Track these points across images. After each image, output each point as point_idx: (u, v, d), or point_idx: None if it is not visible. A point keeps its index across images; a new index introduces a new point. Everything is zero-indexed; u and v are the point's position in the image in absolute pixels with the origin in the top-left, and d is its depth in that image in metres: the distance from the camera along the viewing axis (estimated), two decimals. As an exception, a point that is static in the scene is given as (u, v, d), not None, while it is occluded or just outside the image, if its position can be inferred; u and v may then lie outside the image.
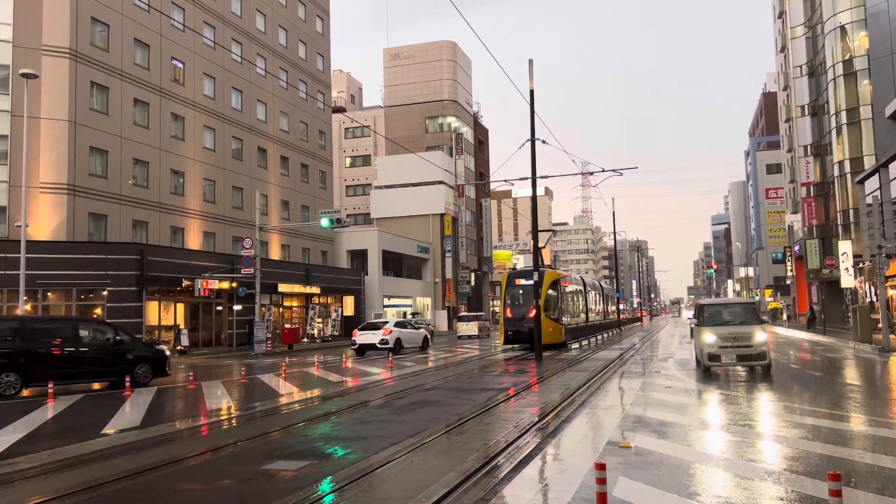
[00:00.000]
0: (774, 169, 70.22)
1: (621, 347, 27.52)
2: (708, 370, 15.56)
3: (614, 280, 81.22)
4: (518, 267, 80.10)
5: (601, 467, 5.07)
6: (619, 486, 6.08)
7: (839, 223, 39.23)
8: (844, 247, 30.44)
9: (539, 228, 24.07)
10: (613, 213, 54.91)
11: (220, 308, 34.46)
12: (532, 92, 22.26)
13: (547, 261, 34.28)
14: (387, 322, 28.93)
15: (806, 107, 46.73)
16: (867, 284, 32.90)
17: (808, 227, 46.05)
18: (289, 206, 44.22)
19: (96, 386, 16.36)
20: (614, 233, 56.31)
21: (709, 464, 6.93)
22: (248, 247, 29.93)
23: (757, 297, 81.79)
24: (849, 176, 37.58)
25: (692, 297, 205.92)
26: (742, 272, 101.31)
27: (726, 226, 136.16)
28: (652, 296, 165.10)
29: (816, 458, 7.16)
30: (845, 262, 29.40)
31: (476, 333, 41.33)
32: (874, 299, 29.47)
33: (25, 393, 15.12)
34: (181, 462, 7.77)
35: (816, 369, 16.75)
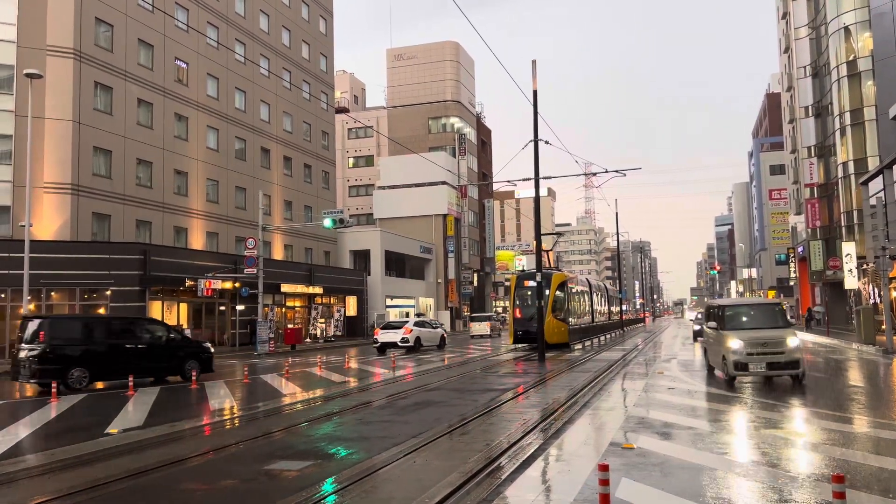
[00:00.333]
0: (778, 170, 70.11)
1: (624, 348, 27.49)
2: (733, 380, 13.69)
3: (617, 281, 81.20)
4: (521, 267, 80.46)
5: (604, 468, 5.06)
6: (622, 487, 6.07)
7: (843, 224, 39.14)
8: (848, 248, 30.36)
9: (542, 229, 24.05)
10: (616, 213, 54.85)
11: (223, 308, 34.49)
12: (535, 92, 22.25)
13: (550, 262, 34.35)
14: (407, 322, 30.47)
15: (810, 108, 46.64)
16: (871, 286, 32.83)
17: (811, 228, 45.96)
18: (292, 207, 44.27)
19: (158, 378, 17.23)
20: (617, 233, 56.26)
21: (712, 465, 6.92)
22: (251, 247, 29.96)
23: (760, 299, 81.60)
24: (853, 177, 37.50)
25: (695, 297, 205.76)
26: (745, 273, 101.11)
27: (730, 227, 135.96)
28: (655, 297, 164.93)
29: (819, 459, 7.14)
30: (849, 264, 29.32)
31: (488, 333, 42.84)
32: (878, 301, 29.40)
33: (99, 385, 16.29)
34: (184, 462, 7.78)
35: (820, 371, 16.71)
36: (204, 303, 32.81)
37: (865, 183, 32.38)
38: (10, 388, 17.12)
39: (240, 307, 34.20)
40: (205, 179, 36.70)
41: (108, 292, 28.23)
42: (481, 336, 42.26)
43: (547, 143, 23.71)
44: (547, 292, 27.12)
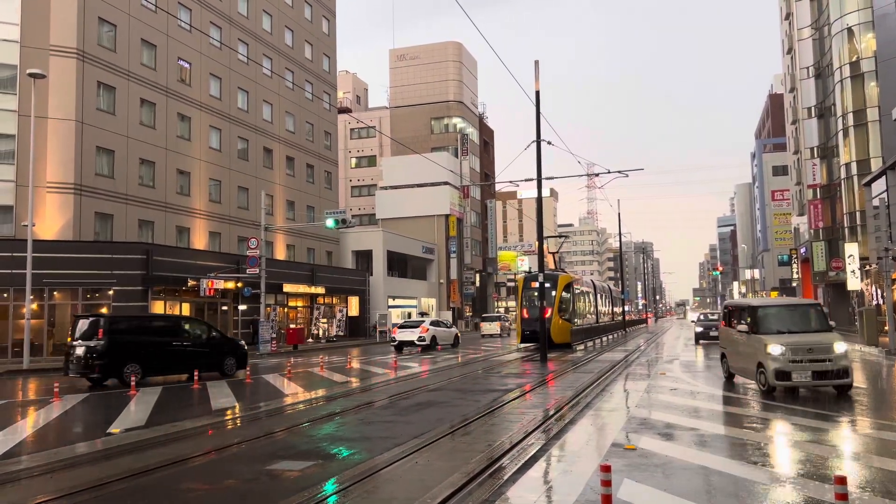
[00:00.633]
0: (781, 171, 70.04)
1: (626, 349, 27.48)
2: (772, 391, 12.20)
3: (619, 281, 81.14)
4: (522, 268, 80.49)
5: (606, 469, 5.06)
6: (624, 488, 6.06)
7: (846, 225, 39.08)
8: (851, 249, 30.34)
9: (544, 229, 24.05)
10: (619, 214, 54.78)
11: (225, 308, 34.51)
12: (538, 93, 22.24)
13: (551, 263, 34.51)
14: (423, 321, 31.80)
15: (813, 108, 46.58)
16: (874, 287, 32.75)
17: (814, 229, 45.90)
18: (294, 207, 44.30)
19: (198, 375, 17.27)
20: (619, 234, 56.25)
21: (714, 466, 6.91)
22: (253, 247, 29.98)
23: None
24: (855, 178, 37.43)
25: (697, 298, 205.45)
26: (748, 274, 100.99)
27: (732, 228, 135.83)
28: (657, 297, 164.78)
29: (821, 460, 7.13)
30: (852, 265, 29.30)
31: (498, 332, 45.29)
32: (881, 302, 29.35)
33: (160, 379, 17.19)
34: (185, 462, 7.79)
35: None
36: (206, 303, 32.83)
37: (868, 184, 32.32)
38: (13, 388, 17.15)
39: (242, 307, 34.22)
40: (207, 179, 36.74)
41: (111, 292, 28.26)
42: (491, 335, 44.29)
43: (549, 143, 23.71)
44: (553, 293, 27.77)
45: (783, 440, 8.33)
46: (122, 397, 14.12)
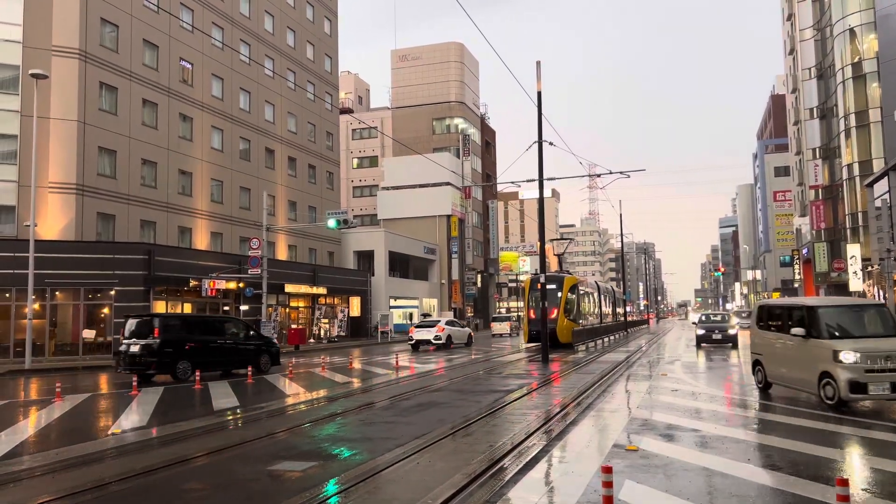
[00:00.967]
0: (782, 172, 70.01)
1: (628, 350, 27.47)
2: (842, 405, 10.57)
3: (621, 282, 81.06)
4: (525, 268, 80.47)
5: (607, 470, 5.06)
6: (626, 489, 6.06)
7: (848, 226, 39.05)
8: (853, 250, 30.33)
9: (546, 230, 24.05)
10: (621, 215, 54.74)
11: (227, 308, 34.52)
12: (539, 94, 22.23)
13: (554, 264, 34.81)
14: (439, 321, 32.97)
15: (815, 109, 46.56)
16: (876, 288, 32.71)
17: (816, 230, 45.86)
18: (296, 207, 44.32)
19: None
20: (621, 235, 56.21)
21: (716, 467, 6.91)
22: (255, 247, 29.99)
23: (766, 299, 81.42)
24: (857, 179, 37.41)
25: (699, 299, 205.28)
26: (750, 275, 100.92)
27: (734, 228, 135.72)
28: (659, 298, 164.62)
29: (824, 462, 7.12)
30: (854, 266, 29.28)
31: (508, 332, 46.95)
32: (883, 302, 29.30)
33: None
34: (187, 462, 7.79)
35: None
36: (208, 303, 32.84)
37: (870, 185, 32.30)
38: (15, 388, 17.18)
39: (244, 307, 34.24)
40: (209, 180, 36.77)
41: (113, 292, 28.29)
42: (501, 335, 46.05)
43: (551, 144, 23.71)
44: (559, 294, 28.82)
45: (790, 442, 8.31)
46: (124, 397, 14.13)
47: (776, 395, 12.35)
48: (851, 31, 37.93)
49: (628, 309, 58.97)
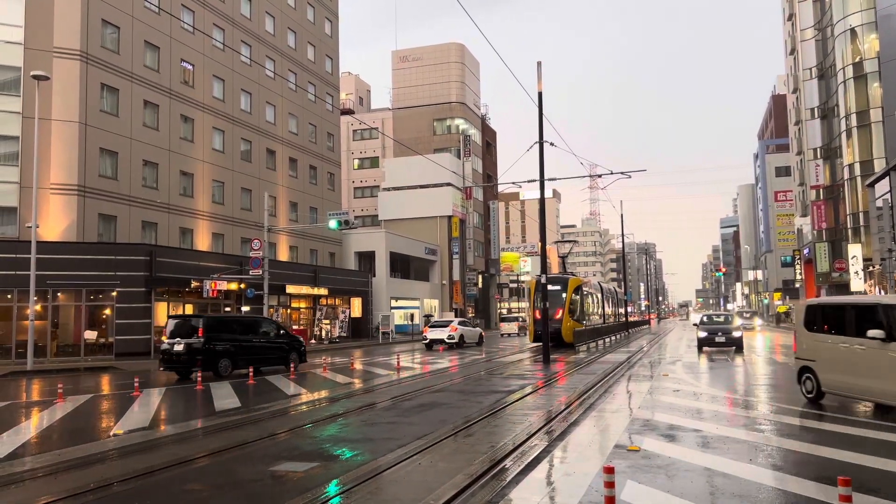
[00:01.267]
0: (783, 172, 69.97)
1: (629, 350, 27.46)
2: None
3: (622, 282, 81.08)
4: (526, 269, 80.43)
5: (609, 471, 5.06)
6: (627, 489, 6.06)
7: (849, 226, 39.03)
8: (854, 250, 30.31)
9: (547, 231, 24.06)
10: (622, 215, 54.68)
11: (228, 309, 34.53)
12: (540, 94, 22.22)
13: (555, 264, 35.19)
14: (452, 321, 34.20)
15: (816, 109, 46.54)
16: (877, 288, 32.68)
17: (817, 230, 45.84)
18: (297, 208, 44.34)
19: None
20: (622, 235, 56.16)
21: (717, 468, 6.91)
22: (256, 248, 30.00)
23: (766, 301, 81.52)
24: (859, 179, 37.38)
25: (700, 300, 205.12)
26: (751, 275, 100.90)
27: (735, 229, 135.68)
28: (660, 298, 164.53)
29: (827, 462, 7.12)
30: (855, 266, 29.25)
31: (516, 331, 48.58)
32: (884, 303, 29.25)
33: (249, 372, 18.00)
34: (189, 463, 7.80)
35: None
36: (209, 304, 32.86)
37: (872, 185, 32.28)
38: (17, 389, 17.19)
39: (245, 308, 34.25)
40: (210, 181, 36.80)
41: (114, 293, 28.32)
42: (509, 334, 48.00)
43: (552, 144, 23.70)
44: (564, 295, 29.69)
45: (793, 443, 8.30)
46: (126, 398, 14.15)
47: (829, 405, 11.32)
48: (852, 30, 37.91)
49: (629, 309, 59.06)
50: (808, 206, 49.09)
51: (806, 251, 52.82)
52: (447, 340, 31.92)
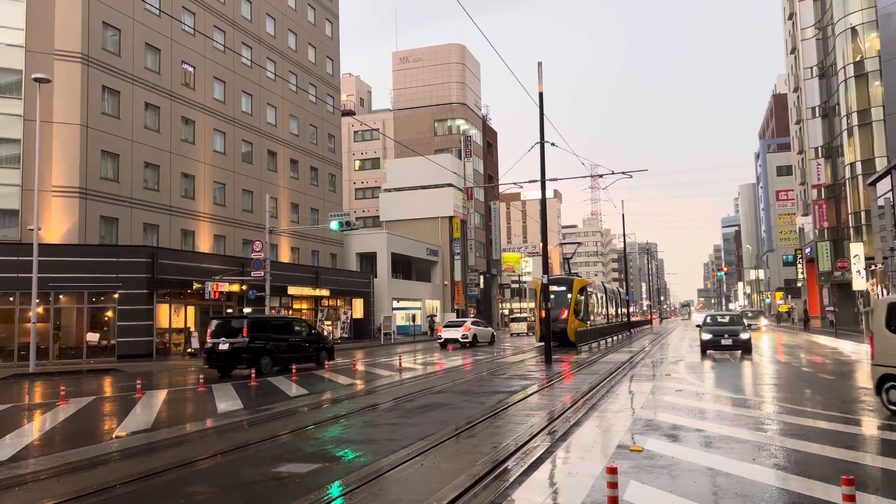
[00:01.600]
0: (785, 171, 69.91)
1: (631, 350, 27.45)
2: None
3: (624, 282, 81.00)
4: (527, 270, 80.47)
5: (612, 471, 5.05)
6: (630, 489, 6.06)
7: (851, 225, 38.99)
8: (856, 249, 30.26)
9: (548, 231, 24.06)
10: (623, 215, 54.66)
11: (230, 311, 34.53)
12: (541, 94, 22.23)
13: (556, 265, 35.63)
14: (466, 321, 35.18)
15: (817, 108, 46.49)
16: (879, 287, 32.65)
17: (819, 229, 45.79)
18: (298, 209, 44.36)
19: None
20: (624, 235, 56.15)
21: (721, 467, 6.90)
22: (257, 250, 30.00)
23: (768, 300, 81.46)
24: (860, 178, 37.34)
25: (702, 299, 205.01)
26: (753, 274, 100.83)
27: (736, 228, 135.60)
28: (662, 298, 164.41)
29: (829, 462, 7.11)
30: (857, 265, 29.21)
31: (526, 331, 50.40)
32: (886, 302, 29.21)
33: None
34: (192, 464, 7.80)
35: (827, 372, 16.64)
36: (211, 305, 32.88)
37: (873, 184, 32.25)
38: (19, 391, 17.21)
39: (247, 310, 34.24)
40: (212, 182, 36.82)
41: (116, 295, 28.34)
42: (518, 334, 50.16)
43: (553, 145, 23.70)
44: (569, 296, 30.46)
45: (795, 442, 8.29)
46: (128, 400, 14.16)
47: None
48: (853, 29, 37.87)
49: (631, 309, 59.20)
50: (810, 205, 49.05)
51: (808, 250, 52.77)
52: (461, 340, 33.01)
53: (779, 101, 76.69)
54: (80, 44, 29.36)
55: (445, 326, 34.89)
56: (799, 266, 59.02)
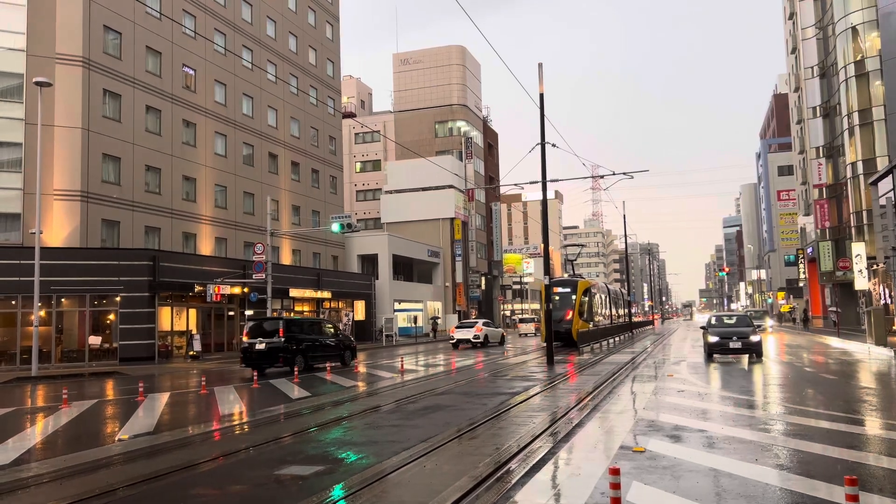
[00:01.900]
0: (786, 171, 69.86)
1: (633, 351, 27.43)
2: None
3: (625, 283, 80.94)
4: (528, 271, 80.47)
5: (615, 472, 5.05)
6: (633, 490, 6.05)
7: (852, 225, 38.95)
8: (858, 249, 30.20)
9: (549, 232, 24.06)
10: (624, 216, 54.65)
11: (231, 313, 34.58)
12: (542, 96, 22.23)
13: (557, 266, 35.81)
14: (477, 322, 35.82)
15: (818, 108, 46.45)
16: (882, 287, 32.60)
17: (820, 228, 45.75)
18: (300, 212, 44.39)
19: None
20: (625, 236, 56.12)
21: (723, 468, 6.89)
22: (259, 252, 30.03)
23: (770, 300, 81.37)
24: (862, 177, 37.31)
25: (704, 300, 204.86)
26: (754, 275, 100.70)
27: (738, 228, 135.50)
28: (663, 299, 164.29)
29: (832, 462, 7.10)
30: (859, 264, 29.16)
31: (533, 332, 52.10)
32: (889, 301, 29.21)
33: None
34: (194, 467, 7.80)
35: (831, 372, 16.62)
36: (213, 308, 32.91)
37: (874, 183, 32.20)
38: (22, 394, 17.22)
39: (248, 312, 34.27)
40: (213, 185, 36.85)
41: (118, 298, 28.37)
42: (526, 334, 51.64)
43: (554, 146, 23.69)
44: (574, 297, 31.15)
45: (797, 442, 8.28)
46: (130, 403, 14.17)
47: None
48: (853, 29, 37.86)
49: (633, 310, 59.31)
50: (811, 204, 48.99)
51: (809, 250, 52.71)
52: (473, 340, 33.88)
53: (779, 101, 76.66)
54: (81, 47, 29.40)
55: (458, 327, 35.69)
56: (801, 266, 58.96)
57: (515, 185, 29.45)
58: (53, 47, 29.10)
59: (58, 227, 28.53)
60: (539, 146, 22.46)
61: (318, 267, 44.58)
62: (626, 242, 57.31)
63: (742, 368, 18.30)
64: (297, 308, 40.11)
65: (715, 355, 21.29)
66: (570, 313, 30.78)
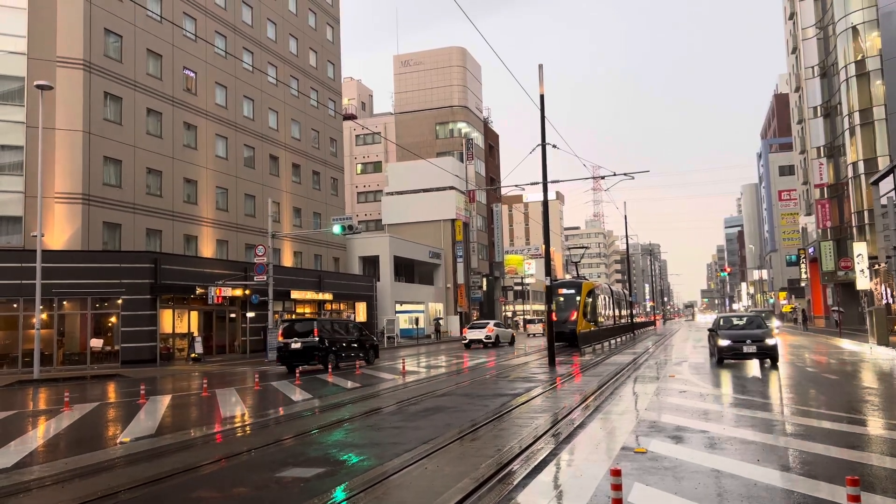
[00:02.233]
0: (787, 171, 69.85)
1: (635, 352, 27.41)
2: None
3: (627, 284, 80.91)
4: (530, 272, 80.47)
5: (616, 473, 5.04)
6: (635, 492, 6.05)
7: (854, 225, 38.92)
8: (859, 248, 30.17)
9: (550, 233, 24.09)
10: (625, 216, 54.73)
11: (233, 315, 34.59)
12: (542, 97, 22.23)
13: (559, 267, 36.08)
14: (489, 323, 36.92)
15: (818, 108, 46.44)
16: (883, 286, 32.56)
17: (822, 228, 45.72)
18: (301, 214, 44.41)
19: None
20: (626, 236, 56.14)
21: (725, 468, 6.88)
22: (260, 254, 30.05)
23: (772, 300, 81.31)
24: (863, 177, 37.28)
25: (706, 300, 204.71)
26: (756, 275, 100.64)
27: (739, 228, 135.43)
28: (665, 299, 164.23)
29: (835, 462, 7.09)
30: (860, 264, 29.13)
31: (541, 332, 51.63)
32: (890, 301, 29.19)
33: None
34: (196, 470, 7.80)
35: (833, 372, 16.60)
36: (214, 310, 32.92)
37: (876, 183, 32.18)
38: (24, 397, 17.23)
39: (250, 314, 34.30)
40: (214, 188, 36.88)
41: (120, 301, 28.39)
42: (534, 335, 52.49)
43: (555, 146, 23.69)
44: (578, 298, 31.66)
45: (800, 443, 8.26)
46: (132, 406, 14.17)
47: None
48: (854, 28, 37.85)
49: (634, 310, 59.32)
50: (813, 204, 48.96)
51: (811, 250, 52.68)
52: (484, 340, 35.00)
53: (780, 101, 76.64)
54: (81, 50, 29.45)
55: (470, 328, 36.77)
56: (802, 266, 58.93)
57: (516, 186, 29.55)
58: (54, 50, 29.15)
59: (59, 230, 28.56)
60: (540, 147, 22.46)
61: (319, 269, 44.60)
62: (627, 243, 57.34)
63: (744, 369, 18.27)
64: (298, 310, 40.11)
65: (726, 360, 19.26)
66: (575, 314, 31.21)
